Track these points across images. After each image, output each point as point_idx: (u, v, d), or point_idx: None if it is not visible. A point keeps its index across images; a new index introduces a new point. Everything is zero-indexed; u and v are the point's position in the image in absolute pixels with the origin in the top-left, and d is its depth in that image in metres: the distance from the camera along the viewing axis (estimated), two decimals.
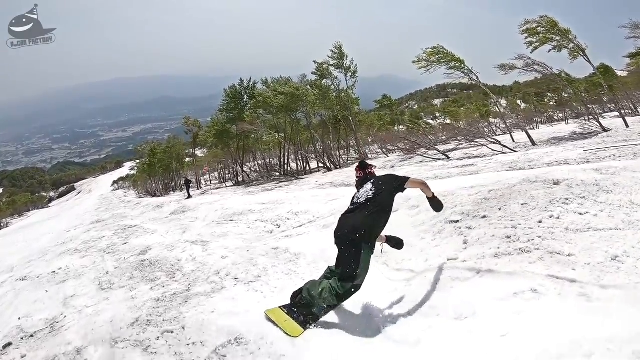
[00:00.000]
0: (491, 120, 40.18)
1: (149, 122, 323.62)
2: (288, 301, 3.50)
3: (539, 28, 19.16)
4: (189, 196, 23.49)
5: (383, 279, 4.30)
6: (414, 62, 20.34)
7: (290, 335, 3.13)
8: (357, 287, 3.32)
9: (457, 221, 4.84)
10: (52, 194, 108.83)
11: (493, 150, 16.39)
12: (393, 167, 17.15)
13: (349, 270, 3.26)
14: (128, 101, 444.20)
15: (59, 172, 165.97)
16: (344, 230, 3.35)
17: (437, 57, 20.18)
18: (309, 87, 26.69)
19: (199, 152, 44.01)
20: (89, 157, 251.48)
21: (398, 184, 3.54)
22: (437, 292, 3.54)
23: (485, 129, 34.16)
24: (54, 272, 6.52)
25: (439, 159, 16.99)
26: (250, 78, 29.71)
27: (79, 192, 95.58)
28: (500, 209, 4.66)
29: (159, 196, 35.56)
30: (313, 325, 3.33)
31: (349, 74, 25.76)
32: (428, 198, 3.71)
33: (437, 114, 79.73)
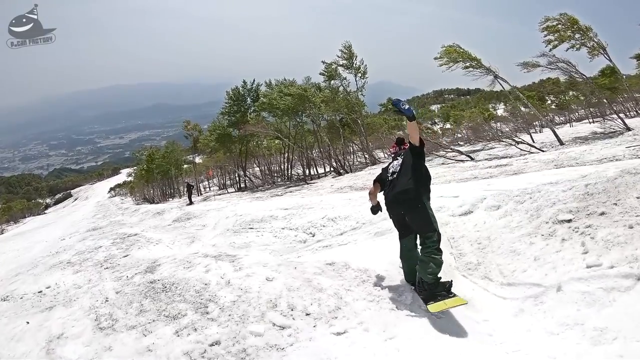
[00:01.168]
0: (492, 124, 39.05)
1: (146, 129, 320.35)
2: (405, 341, 2.81)
3: (559, 26, 18.22)
4: (191, 202, 22.00)
5: (491, 298, 3.38)
6: (435, 58, 19.34)
7: (463, 304, 3.05)
8: (440, 234, 3.33)
9: (570, 220, 3.97)
10: (48, 200, 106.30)
11: (522, 150, 15.46)
12: None
13: (426, 225, 3.28)
14: (125, 108, 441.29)
15: (56, 178, 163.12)
16: (402, 196, 3.38)
17: (452, 56, 19.09)
18: (313, 89, 25.31)
19: (197, 159, 42.09)
20: (86, 164, 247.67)
21: (411, 147, 3.55)
22: (595, 309, 2.73)
23: (490, 132, 33.40)
24: (41, 292, 5.26)
25: (463, 161, 15.83)
26: (254, 80, 28.30)
27: (76, 199, 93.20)
28: (616, 204, 3.89)
29: (157, 203, 33.90)
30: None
31: (359, 74, 24.42)
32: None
33: (436, 120, 78.60)
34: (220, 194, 27.53)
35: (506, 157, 14.45)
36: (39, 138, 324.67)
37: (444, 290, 3.19)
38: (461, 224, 4.89)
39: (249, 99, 27.92)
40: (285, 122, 25.79)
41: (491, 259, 3.96)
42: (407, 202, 3.34)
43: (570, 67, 17.98)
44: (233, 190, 31.35)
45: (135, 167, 56.84)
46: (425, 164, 3.54)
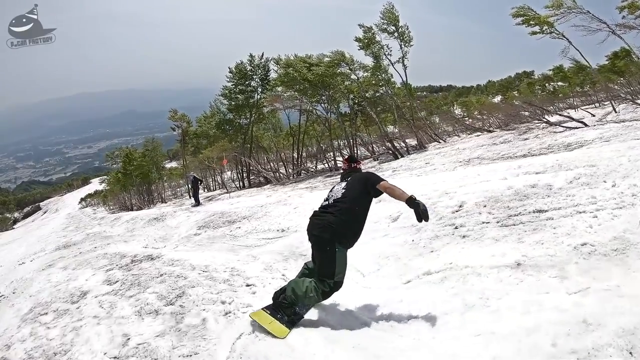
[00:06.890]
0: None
1: (115, 138, 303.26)
2: None
3: None
4: (197, 202, 16.21)
5: None
6: (512, 14, 17.61)
7: (277, 337, 2.78)
8: (339, 285, 3.02)
9: None
10: (16, 214, 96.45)
11: None
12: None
13: (327, 270, 2.99)
14: (93, 117, 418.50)
15: (24, 191, 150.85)
16: (315, 231, 3.05)
17: (521, 18, 17.43)
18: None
19: (174, 164, 35.27)
20: (55, 176, 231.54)
21: (371, 184, 3.06)
22: None
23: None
24: None
25: (572, 128, 12.83)
26: (262, 54, 22.50)
27: (45, 212, 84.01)
28: None
29: (137, 209, 27.03)
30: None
31: (403, 42, 19.55)
32: (407, 203, 2.85)
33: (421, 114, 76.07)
34: (225, 192, 21.57)
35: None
36: (5, 150, 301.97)
37: (287, 316, 2.94)
38: None
39: (257, 78, 22.32)
40: (310, 99, 20.17)
41: None
42: (319, 241, 3.05)
43: None
44: (234, 186, 25.14)
45: (107, 175, 49.57)
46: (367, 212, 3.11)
